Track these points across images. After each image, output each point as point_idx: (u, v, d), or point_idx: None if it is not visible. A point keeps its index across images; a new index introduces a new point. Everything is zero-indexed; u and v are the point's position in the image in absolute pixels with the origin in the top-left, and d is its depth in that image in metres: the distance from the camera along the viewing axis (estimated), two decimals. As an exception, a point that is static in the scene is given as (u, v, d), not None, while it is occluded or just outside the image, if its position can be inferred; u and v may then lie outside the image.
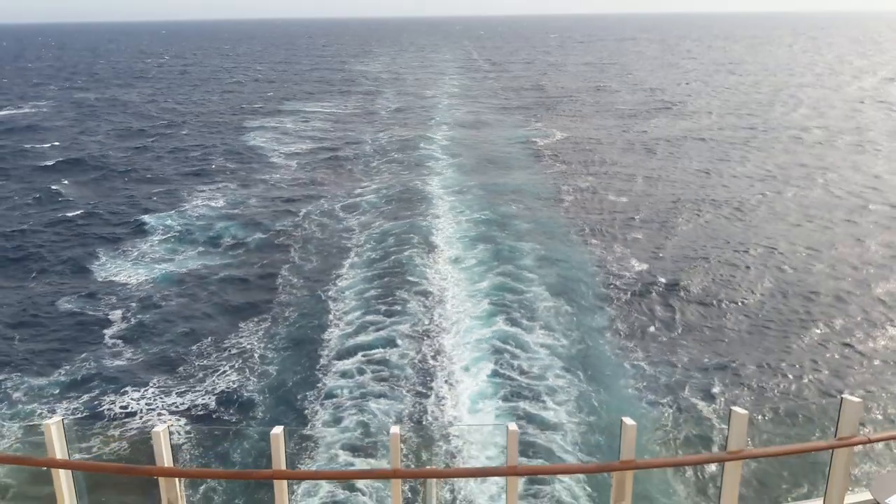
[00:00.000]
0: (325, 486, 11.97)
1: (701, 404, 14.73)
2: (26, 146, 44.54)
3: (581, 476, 12.11)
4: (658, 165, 37.20)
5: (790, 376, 15.94)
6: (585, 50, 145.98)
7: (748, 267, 22.45)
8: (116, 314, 19.68)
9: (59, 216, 29.43)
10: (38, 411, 14.75)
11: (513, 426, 4.33)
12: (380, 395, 15.03)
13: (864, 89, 68.73)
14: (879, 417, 14.27)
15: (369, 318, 18.83)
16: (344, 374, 15.92)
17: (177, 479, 4.42)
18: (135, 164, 39.63)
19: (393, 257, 23.50)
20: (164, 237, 26.61)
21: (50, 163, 39.62)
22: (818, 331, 18.14)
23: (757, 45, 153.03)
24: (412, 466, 12.06)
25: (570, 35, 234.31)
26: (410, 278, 21.50)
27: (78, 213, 29.81)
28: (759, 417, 14.07)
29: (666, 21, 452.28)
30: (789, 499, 11.80)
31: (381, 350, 16.95)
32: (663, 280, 21.33)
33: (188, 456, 13.12)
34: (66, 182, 35.37)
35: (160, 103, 66.46)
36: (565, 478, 12.00)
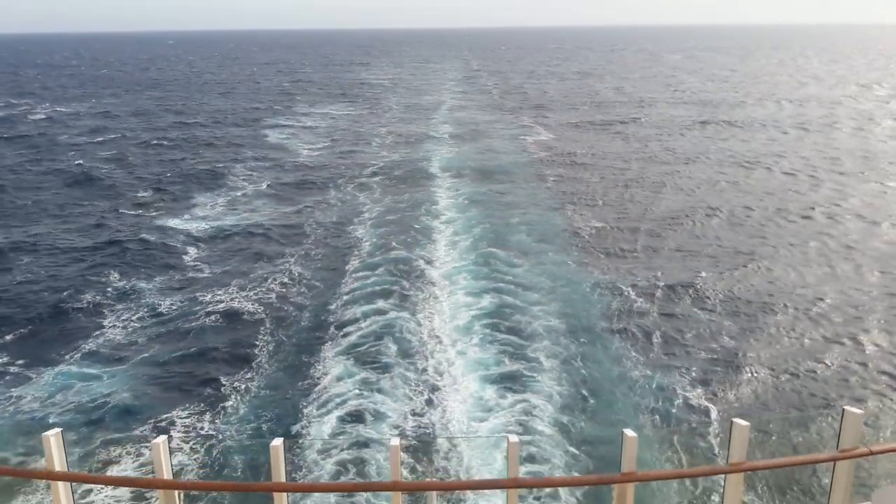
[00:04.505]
0: (325, 499, 11.90)
1: (702, 416, 14.68)
2: (80, 140, 51.05)
3: (582, 488, 12.05)
4: (671, 171, 37.32)
5: (792, 388, 15.90)
6: (608, 59, 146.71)
7: (750, 277, 22.44)
8: (190, 248, 26.50)
9: (130, 194, 35.16)
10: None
11: (513, 438, 4.30)
12: (380, 408, 14.97)
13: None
14: (882, 429, 14.21)
15: (370, 323, 19.03)
16: (344, 386, 15.87)
17: (176, 492, 4.39)
18: (177, 155, 45.01)
19: (395, 255, 24.57)
20: (209, 210, 32.32)
21: (107, 153, 45.54)
22: (820, 341, 18.09)
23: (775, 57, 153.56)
24: (413, 479, 12.00)
25: (586, 46, 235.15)
26: (411, 282, 21.81)
27: (144, 195, 35.25)
28: (761, 429, 14.00)
29: (659, 33, 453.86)
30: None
31: (383, 362, 16.92)
32: (664, 290, 21.31)
33: (187, 468, 13.07)
34: (122, 169, 40.93)
35: (192, 105, 73.32)
36: (566, 490, 11.94)
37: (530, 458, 12.92)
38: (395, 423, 14.47)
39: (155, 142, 50.08)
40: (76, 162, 42.80)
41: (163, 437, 4.28)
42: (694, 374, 16.45)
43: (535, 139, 49.60)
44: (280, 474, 4.26)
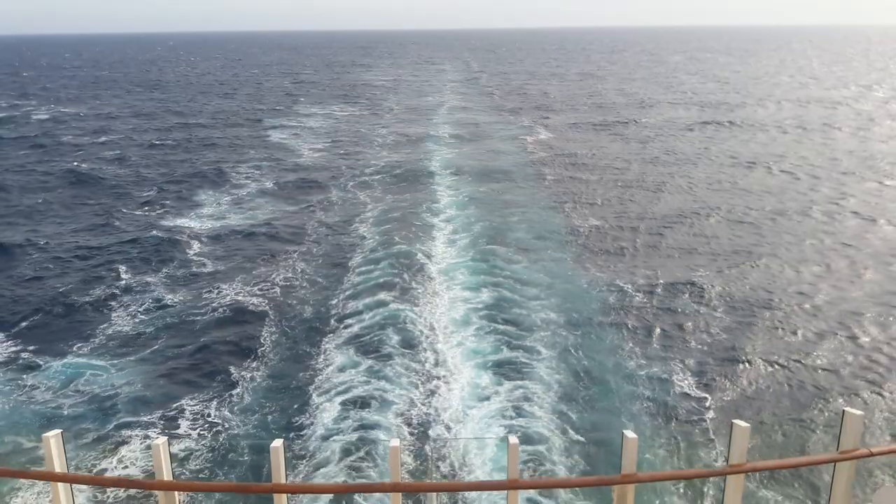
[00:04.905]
0: (325, 500, 11.91)
1: (702, 417, 14.67)
2: (84, 141, 51.36)
3: (582, 490, 12.04)
4: (671, 172, 37.28)
5: (792, 389, 15.88)
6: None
7: (751, 277, 22.41)
8: (195, 243, 26.96)
9: (135, 193, 35.66)
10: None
11: (513, 439, 4.30)
12: (383, 395, 15.11)
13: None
14: (882, 431, 14.19)
15: (373, 315, 19.37)
16: (347, 375, 16.02)
17: (176, 493, 4.39)
18: (181, 156, 45.47)
19: (395, 251, 24.78)
20: (215, 207, 32.97)
21: (111, 154, 45.86)
22: (821, 343, 18.07)
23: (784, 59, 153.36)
24: (413, 479, 12.01)
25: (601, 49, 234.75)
26: (412, 276, 22.23)
27: (149, 194, 35.65)
28: (761, 429, 14.01)
29: (659, 34, 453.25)
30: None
31: (385, 352, 17.12)
32: (662, 287, 21.33)
33: (188, 469, 13.07)
34: (127, 169, 41.46)
35: (195, 106, 73.91)
36: (566, 491, 11.93)
37: (531, 460, 12.91)
38: (398, 410, 14.66)
39: (158, 142, 50.33)
40: (81, 162, 42.91)
41: (163, 439, 4.29)
42: (693, 373, 16.44)
43: (535, 139, 49.59)
44: (280, 475, 4.26)
